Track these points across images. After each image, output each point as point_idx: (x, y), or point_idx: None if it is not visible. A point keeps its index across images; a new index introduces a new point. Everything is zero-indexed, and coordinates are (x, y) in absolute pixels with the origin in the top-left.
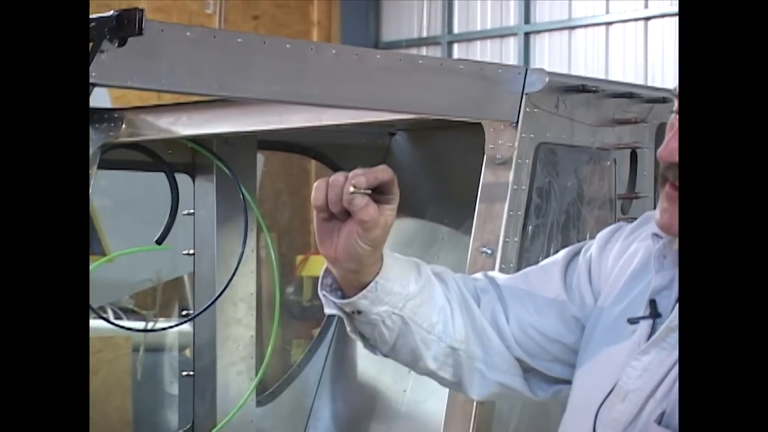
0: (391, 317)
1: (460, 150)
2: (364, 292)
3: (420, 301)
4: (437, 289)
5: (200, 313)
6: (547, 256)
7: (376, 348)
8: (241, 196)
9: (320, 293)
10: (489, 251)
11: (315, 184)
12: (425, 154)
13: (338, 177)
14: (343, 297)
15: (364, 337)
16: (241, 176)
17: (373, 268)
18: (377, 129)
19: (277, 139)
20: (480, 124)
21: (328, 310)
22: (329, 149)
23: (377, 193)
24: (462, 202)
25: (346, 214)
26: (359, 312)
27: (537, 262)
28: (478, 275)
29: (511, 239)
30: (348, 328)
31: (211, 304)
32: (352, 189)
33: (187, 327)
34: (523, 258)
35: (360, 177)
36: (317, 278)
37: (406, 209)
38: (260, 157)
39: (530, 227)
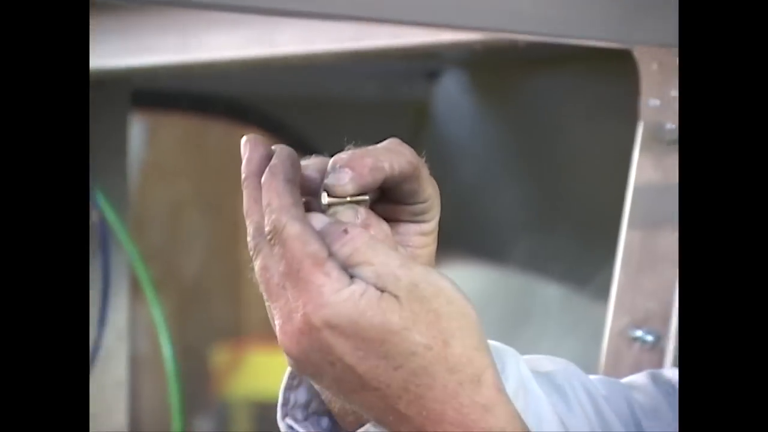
0: None
1: (570, 106)
2: None
3: None
4: (546, 415)
5: None
6: None
7: None
8: (97, 211)
9: (282, 422)
10: (649, 337)
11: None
12: (501, 112)
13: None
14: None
15: None
16: (95, 167)
17: None
18: (406, 65)
19: (180, 88)
20: (628, 54)
21: None
22: (301, 110)
23: (389, 200)
24: (574, 206)
25: None
26: None
27: None
28: (639, 378)
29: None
30: None
31: None
32: (325, 198)
33: None
34: None
35: (342, 172)
36: (270, 403)
37: (462, 220)
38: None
39: None
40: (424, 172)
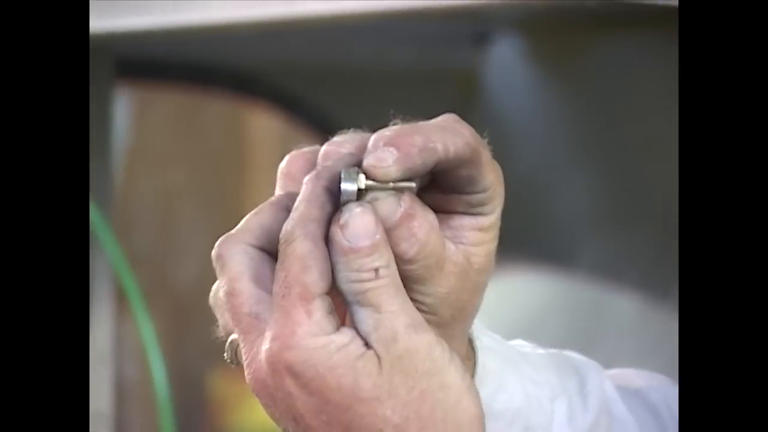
0: None
1: (648, 78)
2: None
3: None
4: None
5: None
6: None
7: None
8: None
9: None
10: None
11: (283, 166)
12: (564, 84)
13: (332, 152)
14: None
15: None
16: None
17: None
18: (449, 26)
19: (174, 56)
20: None
21: None
22: (321, 81)
23: (442, 188)
24: (653, 201)
25: None
26: None
27: None
28: None
29: None
30: None
31: None
32: (362, 182)
33: None
34: None
35: (386, 151)
36: None
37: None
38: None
39: None
40: (486, 155)
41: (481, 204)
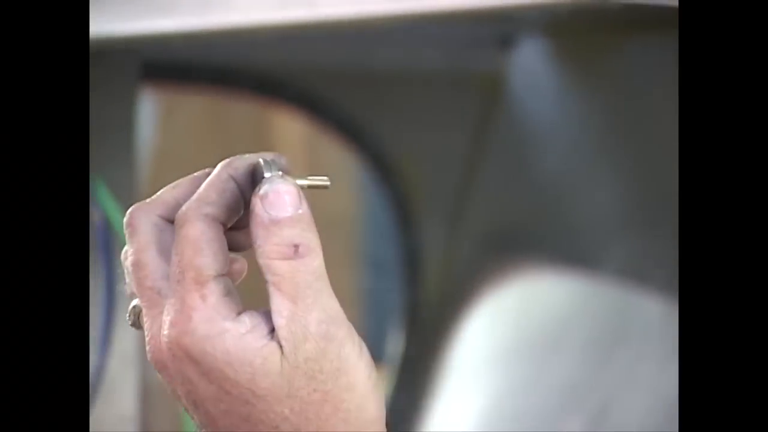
0: None
1: (675, 80)
2: None
3: None
4: None
5: None
6: None
7: None
8: (98, 209)
9: None
10: None
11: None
12: (590, 87)
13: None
14: None
15: None
16: (95, 155)
17: None
18: (475, 29)
19: (199, 59)
20: None
21: None
22: (347, 84)
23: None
24: None
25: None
26: None
27: None
28: None
29: None
30: None
31: None
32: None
33: None
34: None
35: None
36: None
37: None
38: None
39: None
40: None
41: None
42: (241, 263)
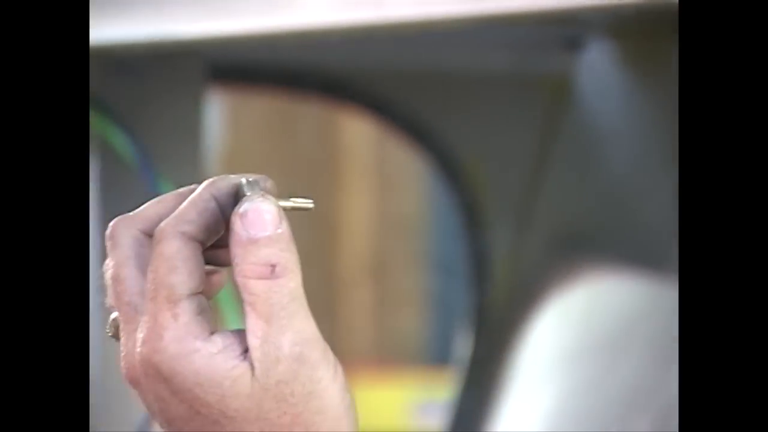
0: None
1: None
2: None
3: None
4: None
5: None
6: None
7: None
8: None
9: None
10: None
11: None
12: (658, 89)
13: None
14: None
15: None
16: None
17: None
18: (541, 31)
19: (266, 60)
20: None
21: None
22: (413, 86)
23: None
24: None
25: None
26: None
27: None
28: None
29: None
30: None
31: None
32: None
33: None
34: None
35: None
36: None
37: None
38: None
39: None
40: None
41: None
42: (220, 275)
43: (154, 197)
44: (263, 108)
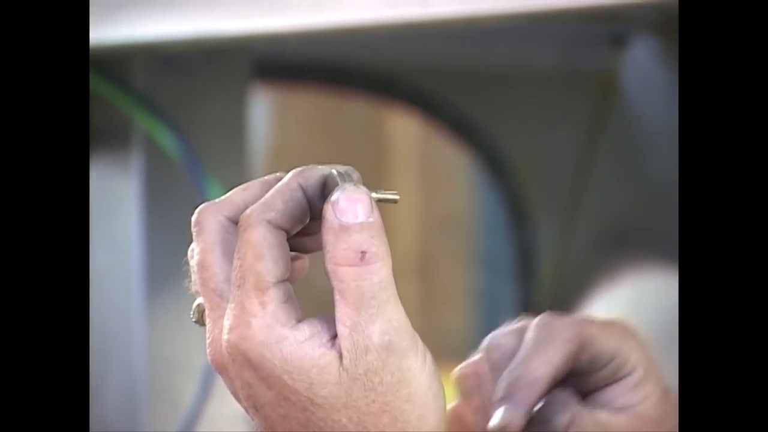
0: None
1: None
2: None
3: None
4: None
5: None
6: None
7: None
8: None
9: None
10: None
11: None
12: None
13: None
14: None
15: None
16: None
17: None
18: (587, 28)
19: (312, 57)
20: None
21: None
22: (459, 83)
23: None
24: None
25: None
26: None
27: None
28: None
29: None
30: None
31: None
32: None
33: None
34: None
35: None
36: None
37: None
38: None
39: None
40: (602, 342)
41: (620, 368)
42: (302, 260)
43: (199, 195)
44: (309, 105)
